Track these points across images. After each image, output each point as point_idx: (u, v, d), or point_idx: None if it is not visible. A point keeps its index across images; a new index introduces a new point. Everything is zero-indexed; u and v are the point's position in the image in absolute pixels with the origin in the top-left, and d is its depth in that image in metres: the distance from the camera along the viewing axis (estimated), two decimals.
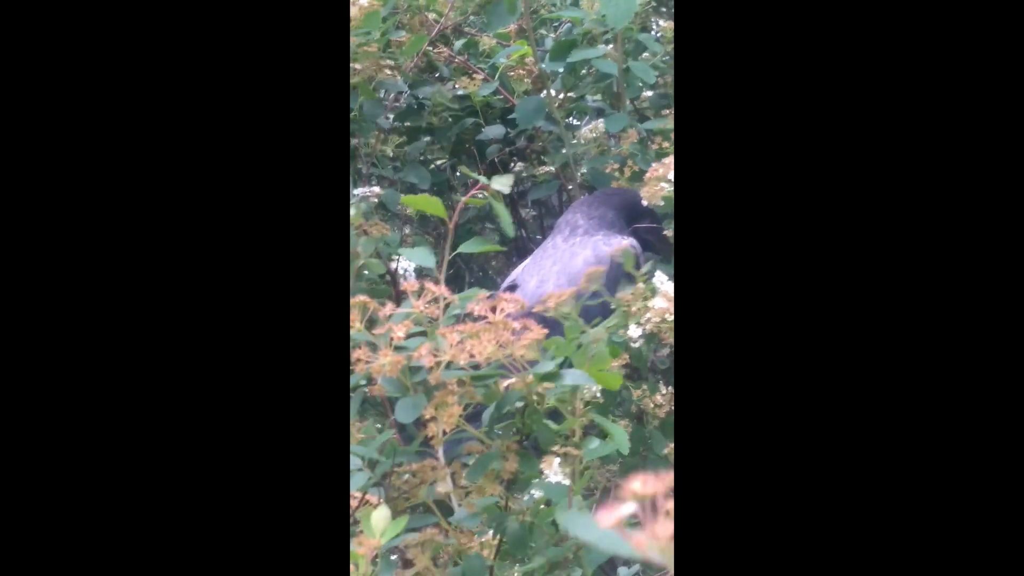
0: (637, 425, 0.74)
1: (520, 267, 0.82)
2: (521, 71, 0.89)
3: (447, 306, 0.58)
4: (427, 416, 0.55)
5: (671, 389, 0.74)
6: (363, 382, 0.57)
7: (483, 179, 0.66)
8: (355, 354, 0.56)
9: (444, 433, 0.56)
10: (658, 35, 0.89)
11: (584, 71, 0.89)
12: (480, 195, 0.66)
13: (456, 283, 0.93)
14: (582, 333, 0.57)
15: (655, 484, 0.30)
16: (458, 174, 0.71)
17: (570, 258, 0.77)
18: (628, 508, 0.30)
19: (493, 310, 0.54)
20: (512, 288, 0.79)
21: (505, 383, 0.55)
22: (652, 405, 0.71)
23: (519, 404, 0.58)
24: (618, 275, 0.73)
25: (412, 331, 0.56)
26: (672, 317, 0.72)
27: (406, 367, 0.55)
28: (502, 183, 0.66)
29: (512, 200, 0.99)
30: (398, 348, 0.55)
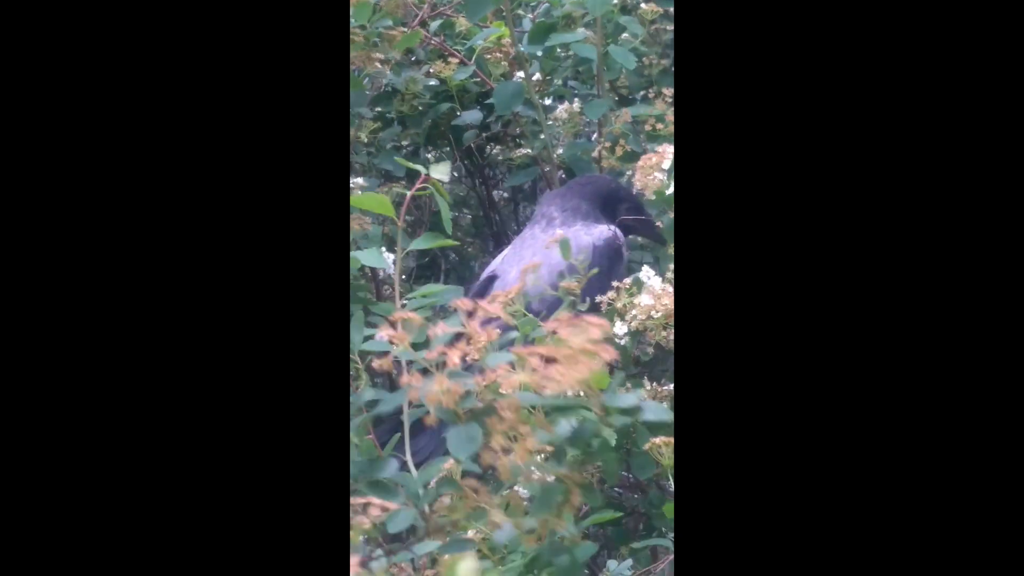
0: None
1: (500, 257, 0.81)
2: (498, 54, 0.87)
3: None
4: (496, 447, 0.51)
5: (655, 385, 0.74)
6: (414, 407, 0.55)
7: (421, 168, 0.63)
8: (404, 379, 0.52)
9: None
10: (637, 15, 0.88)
11: (563, 54, 0.87)
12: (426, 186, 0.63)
13: (432, 271, 0.93)
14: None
15: None
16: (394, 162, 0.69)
17: (548, 249, 0.76)
18: None
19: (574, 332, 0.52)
20: (491, 279, 0.79)
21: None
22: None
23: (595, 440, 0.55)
24: (611, 260, 0.74)
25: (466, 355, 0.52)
26: (659, 314, 0.72)
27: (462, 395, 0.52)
28: (440, 171, 0.64)
29: (487, 186, 0.98)
30: (452, 375, 0.51)
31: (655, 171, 0.72)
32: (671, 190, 0.72)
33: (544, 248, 0.75)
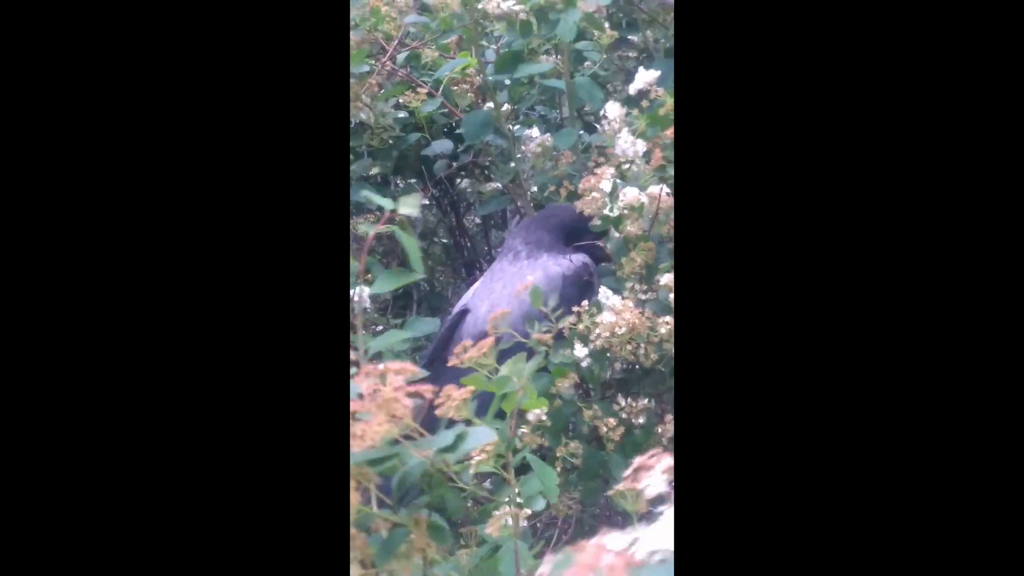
0: (591, 447, 0.72)
1: (471, 291, 0.80)
2: (465, 84, 0.87)
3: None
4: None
5: (630, 401, 0.73)
6: None
7: (388, 204, 0.60)
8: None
9: None
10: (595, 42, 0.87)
11: (529, 82, 0.87)
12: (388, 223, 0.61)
13: (406, 300, 0.92)
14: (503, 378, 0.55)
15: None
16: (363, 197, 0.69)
17: (519, 281, 0.75)
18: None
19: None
20: (464, 312, 0.78)
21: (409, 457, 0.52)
22: (606, 429, 0.70)
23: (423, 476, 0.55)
24: (577, 289, 0.74)
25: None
26: (622, 330, 0.72)
27: None
28: (409, 205, 0.60)
29: (458, 214, 0.98)
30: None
31: (593, 192, 0.72)
32: (614, 212, 0.72)
33: (514, 296, 0.74)
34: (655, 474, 0.56)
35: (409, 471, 0.52)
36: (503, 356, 0.59)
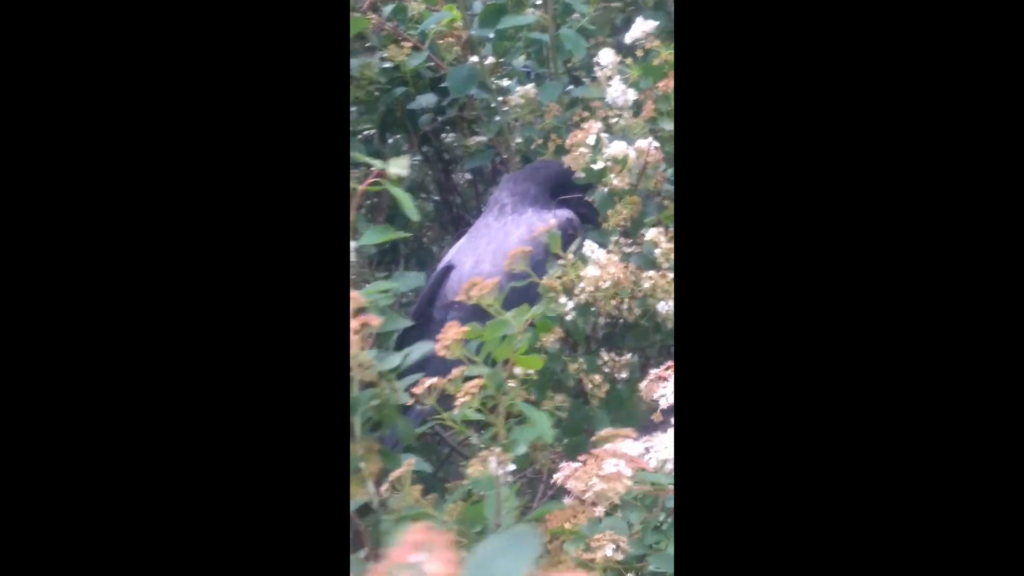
0: (577, 401, 0.72)
1: (455, 247, 0.81)
2: (451, 38, 0.87)
3: None
4: None
5: (613, 355, 0.73)
6: None
7: (378, 164, 0.63)
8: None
9: None
10: None
11: (515, 35, 0.87)
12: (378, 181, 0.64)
13: (393, 256, 0.93)
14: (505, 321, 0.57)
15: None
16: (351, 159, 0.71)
17: (504, 237, 0.76)
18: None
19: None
20: (448, 268, 0.79)
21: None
22: (591, 385, 0.70)
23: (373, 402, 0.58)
24: (546, 254, 0.72)
25: None
26: (606, 284, 0.72)
27: None
28: (399, 165, 0.63)
29: (446, 168, 0.98)
30: None
31: (580, 147, 0.72)
32: (599, 165, 0.72)
33: (512, 246, 0.73)
34: (670, 385, 0.57)
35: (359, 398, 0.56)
36: (512, 296, 0.61)
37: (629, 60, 0.79)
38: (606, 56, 0.78)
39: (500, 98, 0.88)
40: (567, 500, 0.58)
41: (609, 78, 0.77)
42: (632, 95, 0.77)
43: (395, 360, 0.58)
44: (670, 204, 0.76)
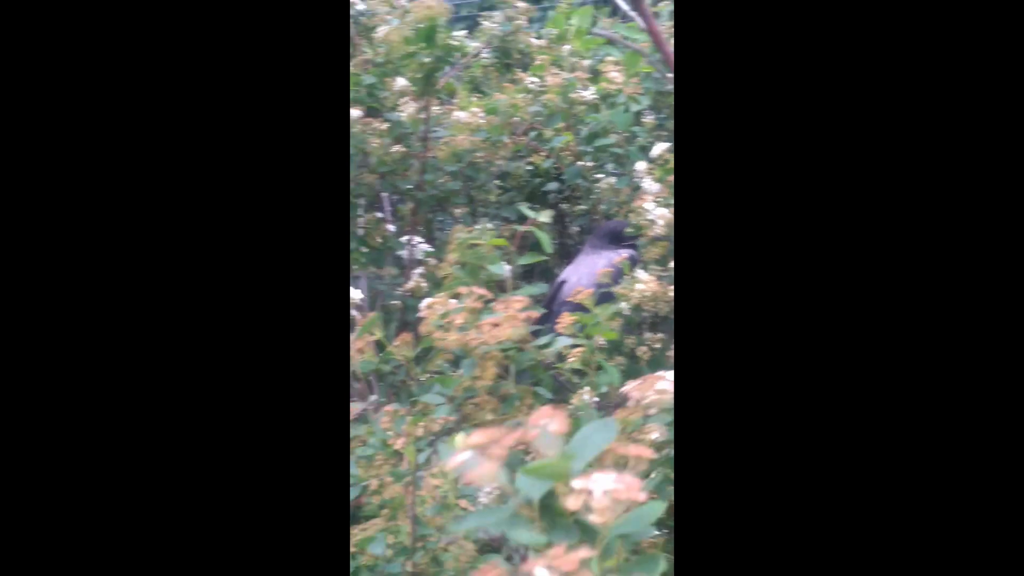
0: (631, 361, 0.99)
1: (566, 270, 1.17)
2: (567, 151, 1.33)
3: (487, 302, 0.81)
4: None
5: (652, 335, 1.00)
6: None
7: (532, 214, 1.02)
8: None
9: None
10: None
11: (605, 149, 1.37)
12: (530, 227, 1.02)
13: (530, 272, 1.34)
14: (596, 313, 0.86)
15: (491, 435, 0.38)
16: (519, 209, 1.20)
17: (594, 264, 1.11)
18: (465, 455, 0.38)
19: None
20: (563, 282, 1.13)
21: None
22: (641, 352, 0.99)
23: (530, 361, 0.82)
24: (620, 274, 1.01)
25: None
26: (648, 293, 0.99)
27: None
28: (544, 216, 1.04)
29: (563, 225, 1.43)
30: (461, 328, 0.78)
31: (638, 213, 1.06)
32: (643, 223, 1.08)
33: (599, 269, 1.05)
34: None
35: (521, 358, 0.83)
36: (599, 299, 0.86)
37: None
38: (640, 165, 1.12)
39: (595, 184, 1.29)
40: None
41: (643, 177, 1.10)
42: (658, 186, 1.14)
43: (543, 340, 0.82)
44: None
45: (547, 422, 0.42)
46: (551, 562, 0.36)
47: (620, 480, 0.39)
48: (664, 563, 0.42)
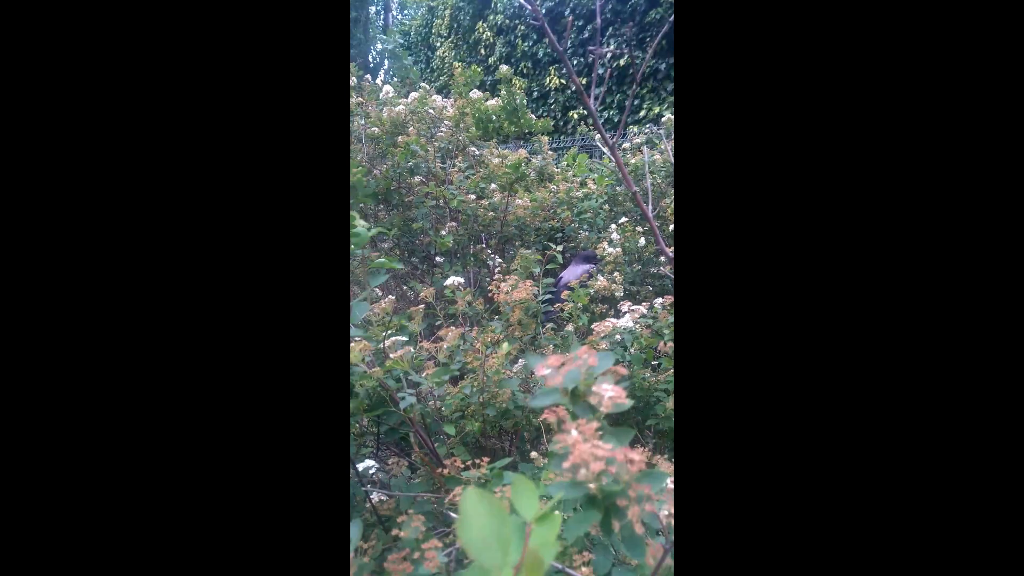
0: (592, 316, 1.86)
1: (564, 271, 2.41)
2: (567, 219, 2.99)
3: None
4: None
5: (605, 306, 2.35)
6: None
7: (551, 246, 2.61)
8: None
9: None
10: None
11: (588, 219, 3.04)
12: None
13: (547, 274, 3.06)
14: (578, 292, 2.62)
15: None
16: (545, 244, 2.85)
17: (577, 271, 2.22)
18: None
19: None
20: (562, 277, 2.40)
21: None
22: (598, 311, 1.87)
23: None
24: (590, 276, 2.01)
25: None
26: (603, 287, 2.77)
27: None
28: (557, 248, 2.71)
29: (564, 252, 3.07)
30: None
31: (600, 249, 2.60)
32: (602, 252, 2.82)
33: (578, 277, 1.96)
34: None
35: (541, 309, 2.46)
36: (581, 286, 1.85)
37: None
38: (612, 228, 2.90)
39: (579, 235, 2.95)
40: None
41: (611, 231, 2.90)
42: (617, 235, 2.88)
43: (545, 297, 1.61)
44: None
45: (586, 356, 0.53)
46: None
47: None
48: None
